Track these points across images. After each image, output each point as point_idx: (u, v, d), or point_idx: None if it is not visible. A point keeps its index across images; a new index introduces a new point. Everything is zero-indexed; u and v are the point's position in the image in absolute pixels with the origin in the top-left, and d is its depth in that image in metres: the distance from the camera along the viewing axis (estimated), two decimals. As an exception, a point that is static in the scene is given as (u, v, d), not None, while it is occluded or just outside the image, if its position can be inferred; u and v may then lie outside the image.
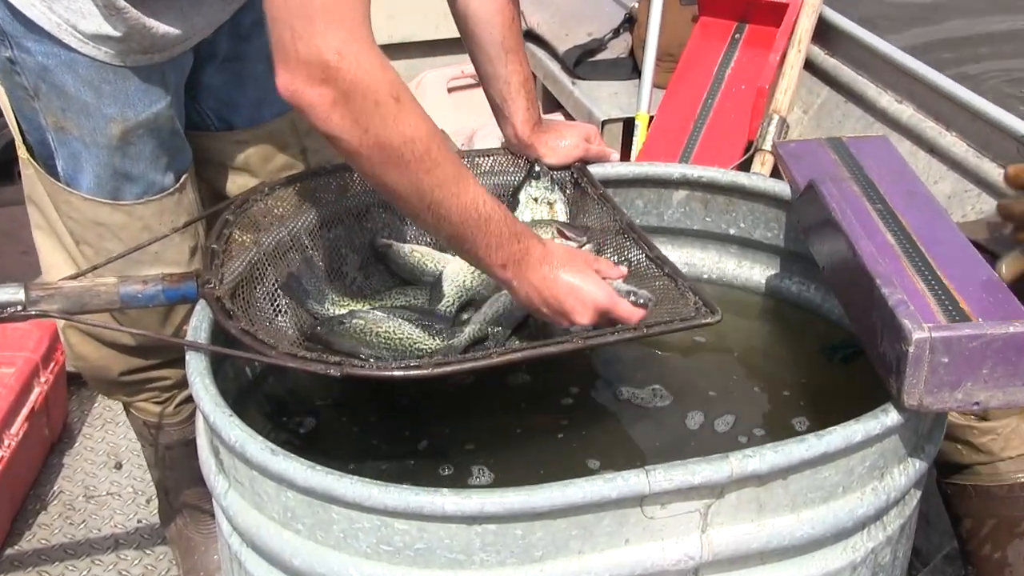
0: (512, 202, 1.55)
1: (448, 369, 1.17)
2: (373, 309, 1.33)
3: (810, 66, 2.32)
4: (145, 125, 1.43)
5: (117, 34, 1.35)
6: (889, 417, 1.13)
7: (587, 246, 1.43)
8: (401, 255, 1.45)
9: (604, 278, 1.26)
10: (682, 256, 1.64)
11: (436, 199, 1.14)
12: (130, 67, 1.39)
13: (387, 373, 1.16)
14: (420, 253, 1.45)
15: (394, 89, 1.10)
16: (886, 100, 2.14)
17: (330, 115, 1.09)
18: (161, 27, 1.37)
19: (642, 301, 1.25)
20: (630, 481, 1.03)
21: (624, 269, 1.32)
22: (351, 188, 1.50)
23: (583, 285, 1.22)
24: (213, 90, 1.58)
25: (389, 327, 1.27)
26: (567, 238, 1.43)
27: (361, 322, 1.27)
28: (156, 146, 1.46)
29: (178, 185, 1.52)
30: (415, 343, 1.28)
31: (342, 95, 1.08)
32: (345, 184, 1.50)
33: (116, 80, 1.39)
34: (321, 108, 1.09)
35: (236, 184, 1.65)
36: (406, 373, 1.15)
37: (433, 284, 1.40)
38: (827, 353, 1.45)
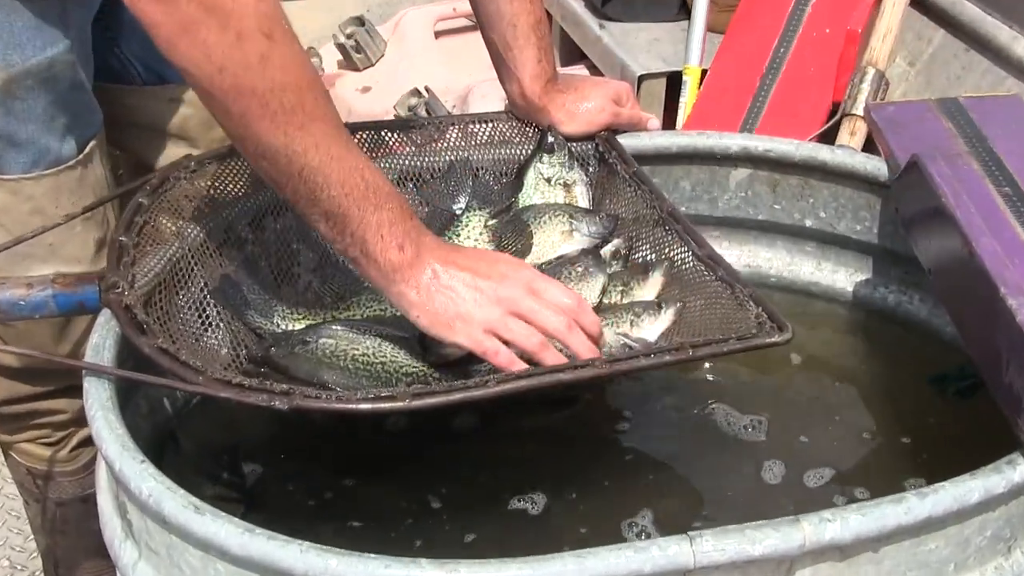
0: (517, 182, 1.56)
1: (430, 401, 1.17)
2: (338, 322, 1.33)
3: (919, 2, 2.32)
4: (35, 74, 1.44)
5: None
6: (1017, 472, 1.12)
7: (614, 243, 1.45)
8: None
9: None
10: (742, 256, 1.66)
11: (311, 164, 1.17)
12: None
13: (348, 406, 1.16)
14: None
15: (266, 24, 1.14)
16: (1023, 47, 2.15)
17: (176, 43, 1.14)
18: None
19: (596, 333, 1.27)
20: (669, 551, 1.03)
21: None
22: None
23: (512, 262, 1.28)
24: (139, 31, 1.58)
25: (368, 348, 1.28)
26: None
27: (331, 342, 1.28)
28: (50, 102, 1.47)
29: (81, 157, 1.52)
30: (402, 368, 1.28)
31: (192, 20, 1.12)
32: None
33: None
34: (165, 30, 1.14)
35: (168, 154, 1.67)
36: (374, 406, 1.15)
37: None
38: (937, 384, 1.46)
